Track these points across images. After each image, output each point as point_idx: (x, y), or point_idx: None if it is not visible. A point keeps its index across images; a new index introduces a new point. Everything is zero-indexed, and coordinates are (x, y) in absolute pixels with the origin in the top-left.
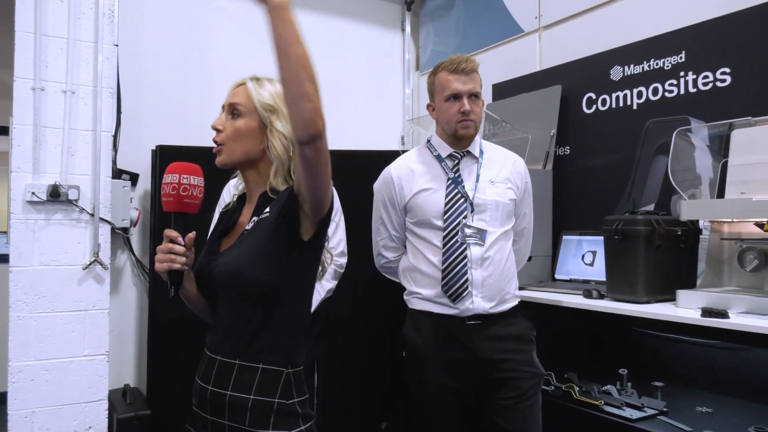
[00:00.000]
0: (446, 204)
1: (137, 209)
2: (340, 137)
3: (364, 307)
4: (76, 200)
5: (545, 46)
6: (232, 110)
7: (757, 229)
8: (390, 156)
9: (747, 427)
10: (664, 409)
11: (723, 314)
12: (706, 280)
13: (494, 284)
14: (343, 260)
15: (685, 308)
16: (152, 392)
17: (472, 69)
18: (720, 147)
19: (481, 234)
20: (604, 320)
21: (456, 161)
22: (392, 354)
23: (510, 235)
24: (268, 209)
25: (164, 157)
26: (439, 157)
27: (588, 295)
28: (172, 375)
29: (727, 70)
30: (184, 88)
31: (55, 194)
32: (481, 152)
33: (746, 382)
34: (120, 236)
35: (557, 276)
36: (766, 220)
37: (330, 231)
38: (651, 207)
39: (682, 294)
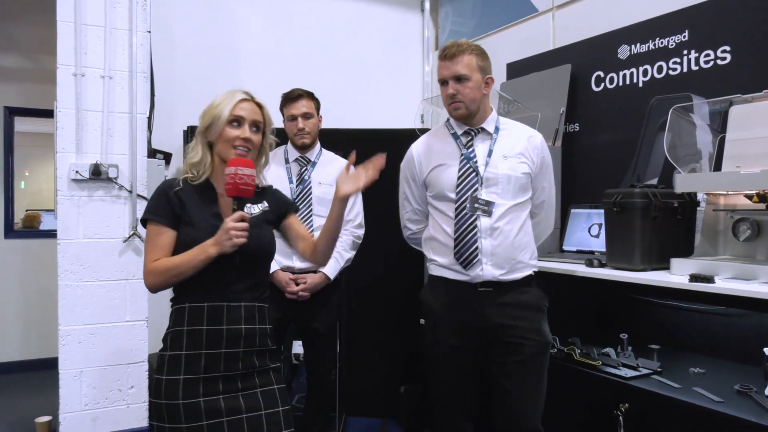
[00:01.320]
0: (459, 177)
1: None
2: (361, 116)
3: (385, 277)
4: (115, 178)
5: (558, 25)
6: (256, 126)
7: (749, 201)
8: (408, 135)
9: (733, 386)
10: (659, 369)
11: (709, 279)
12: (701, 250)
13: (504, 253)
14: (361, 231)
15: (677, 275)
16: None
17: (453, 54)
18: (719, 123)
19: (489, 206)
20: (607, 288)
21: (470, 138)
22: (411, 322)
23: (525, 207)
24: (265, 203)
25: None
26: (455, 135)
27: (589, 264)
28: None
29: (728, 48)
30: (212, 72)
31: (97, 173)
32: (497, 129)
33: (738, 345)
34: None
35: (565, 248)
36: (755, 191)
37: (348, 205)
38: (654, 181)
39: (675, 262)
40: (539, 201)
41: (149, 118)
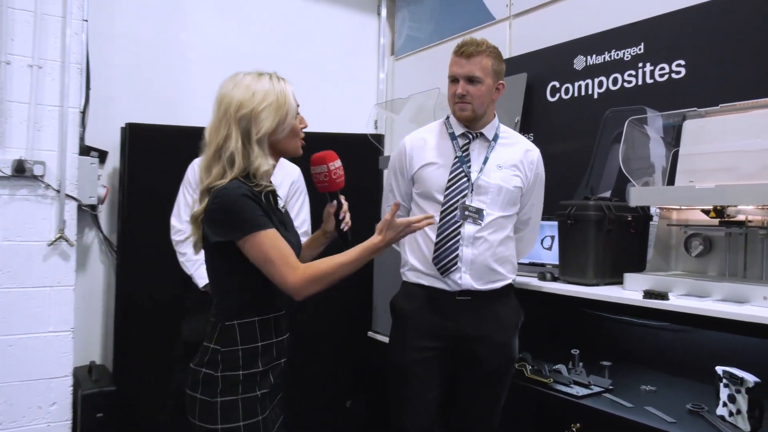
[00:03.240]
0: (449, 181)
1: (105, 187)
2: (313, 119)
3: (330, 288)
4: (41, 176)
5: (515, 34)
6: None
7: (703, 216)
8: (361, 140)
9: (685, 404)
10: (610, 387)
11: (663, 296)
12: (654, 265)
13: (483, 263)
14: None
15: (631, 290)
16: (118, 369)
17: (471, 53)
18: (672, 136)
19: (479, 214)
20: (559, 302)
21: (467, 141)
22: (358, 334)
23: (511, 221)
24: (281, 201)
25: (134, 134)
26: (452, 135)
27: (542, 277)
28: (138, 352)
29: (682, 62)
30: (156, 67)
31: (20, 169)
32: (496, 136)
33: (688, 361)
34: (87, 213)
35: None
36: (710, 207)
37: (294, 211)
38: (608, 194)
39: (628, 277)
40: (525, 217)
41: (83, 113)
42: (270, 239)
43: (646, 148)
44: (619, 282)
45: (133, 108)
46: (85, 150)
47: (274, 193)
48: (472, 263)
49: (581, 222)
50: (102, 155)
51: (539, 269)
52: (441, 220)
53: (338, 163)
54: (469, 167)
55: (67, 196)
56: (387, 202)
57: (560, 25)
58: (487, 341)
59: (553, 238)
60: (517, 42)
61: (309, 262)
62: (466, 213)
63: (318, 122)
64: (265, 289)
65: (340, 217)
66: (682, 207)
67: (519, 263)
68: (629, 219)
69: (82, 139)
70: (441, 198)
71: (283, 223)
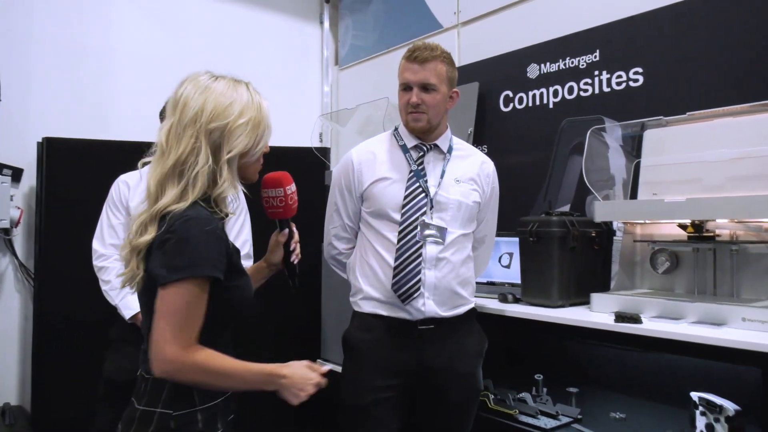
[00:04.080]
0: (405, 197)
1: (19, 208)
2: None
3: (275, 311)
4: None
5: (464, 42)
6: None
7: (669, 231)
8: (305, 153)
9: None
10: (579, 417)
11: (636, 319)
12: (620, 283)
13: (447, 287)
14: (249, 263)
15: (599, 312)
16: (37, 411)
17: (425, 59)
18: (633, 147)
19: (441, 232)
20: (520, 324)
21: (421, 154)
22: (306, 356)
23: (470, 239)
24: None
25: (52, 150)
26: (404, 147)
27: (503, 299)
28: (60, 391)
29: (640, 69)
30: (78, 75)
31: None
32: (450, 148)
33: (659, 385)
34: (0, 238)
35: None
36: (689, 221)
37: (234, 231)
38: (567, 208)
39: (596, 298)
40: (481, 235)
41: None
42: (189, 293)
43: (605, 159)
44: (585, 302)
45: (52, 120)
46: None
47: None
48: (436, 288)
49: (544, 239)
50: (16, 173)
51: (498, 289)
52: (399, 240)
53: (293, 187)
54: (426, 182)
55: None
56: (332, 222)
57: (512, 32)
58: (452, 373)
59: (511, 255)
60: (466, 50)
61: (206, 350)
62: (427, 232)
63: None
64: (217, 330)
65: (291, 248)
66: (646, 221)
67: (477, 282)
68: (593, 235)
69: None
70: (397, 216)
71: (239, 258)
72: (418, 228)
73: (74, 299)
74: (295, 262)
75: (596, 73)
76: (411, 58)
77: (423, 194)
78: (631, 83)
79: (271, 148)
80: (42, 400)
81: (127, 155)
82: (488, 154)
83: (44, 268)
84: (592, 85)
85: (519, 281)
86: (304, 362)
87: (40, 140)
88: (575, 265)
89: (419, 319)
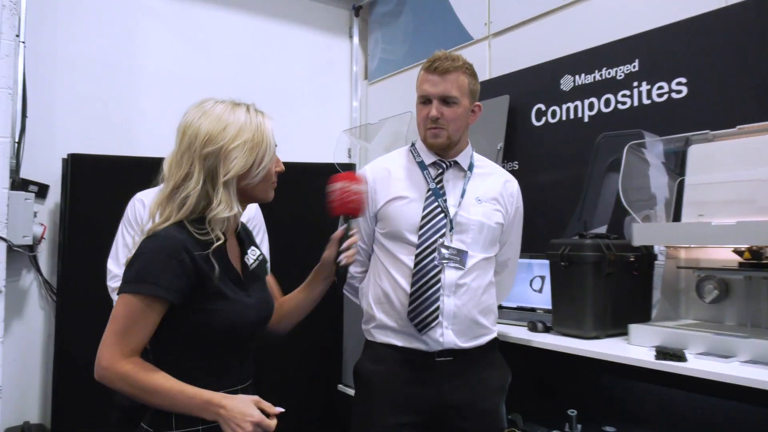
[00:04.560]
0: (423, 218)
1: (42, 224)
2: (281, 149)
3: (295, 334)
4: None
5: (495, 54)
6: None
7: (718, 257)
8: (326, 169)
9: None
10: None
11: (680, 356)
12: (662, 313)
13: (467, 316)
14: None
15: (638, 345)
16: (58, 429)
17: (446, 69)
18: (676, 164)
19: (461, 256)
20: (551, 354)
21: (440, 171)
22: (324, 387)
23: (492, 264)
24: (254, 248)
25: (77, 166)
26: (421, 164)
27: (532, 327)
28: (80, 410)
29: (683, 80)
30: (104, 92)
31: None
32: (471, 165)
33: (705, 427)
34: (23, 255)
35: (504, 303)
36: (745, 246)
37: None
38: (603, 229)
39: (635, 329)
40: (504, 258)
41: (18, 143)
42: (132, 307)
43: (645, 176)
44: (622, 333)
45: (78, 137)
46: (20, 184)
47: (229, 245)
48: (455, 317)
49: (577, 264)
50: (42, 189)
51: (529, 315)
52: (416, 265)
53: (355, 186)
54: (445, 201)
55: None
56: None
57: (545, 42)
58: (472, 410)
59: (543, 278)
60: (497, 62)
61: (140, 363)
62: (447, 256)
63: (287, 152)
64: (197, 363)
65: (342, 247)
66: (691, 246)
67: (505, 307)
68: (631, 260)
69: (15, 171)
70: (414, 238)
71: (240, 283)
72: (437, 251)
73: (96, 317)
74: (343, 263)
75: (635, 84)
76: (431, 68)
77: (442, 214)
78: (674, 95)
79: (297, 164)
80: (62, 419)
81: (151, 172)
82: (519, 171)
83: (66, 285)
84: (631, 97)
85: (549, 306)
86: (253, 398)
87: (66, 156)
88: (611, 292)
89: (437, 350)
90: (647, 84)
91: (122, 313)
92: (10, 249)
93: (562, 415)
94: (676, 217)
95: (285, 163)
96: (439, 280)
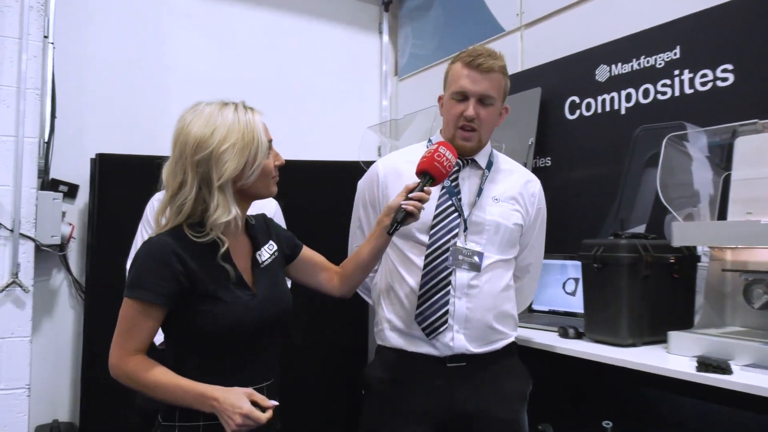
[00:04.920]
0: (435, 217)
1: (71, 224)
2: (310, 147)
3: (322, 332)
4: None
5: (527, 45)
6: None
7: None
8: (351, 167)
9: None
10: None
11: (724, 368)
12: (705, 319)
13: (480, 320)
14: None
15: (678, 355)
16: (86, 428)
17: (490, 68)
18: (722, 158)
19: (476, 257)
20: (585, 362)
21: (456, 168)
22: (351, 378)
23: (510, 266)
24: (272, 242)
25: (105, 166)
26: None
27: (563, 333)
28: (108, 409)
29: (729, 66)
30: (133, 92)
31: None
32: (491, 164)
33: None
34: (54, 254)
35: (535, 306)
36: None
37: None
38: (641, 229)
39: (675, 337)
40: (525, 263)
41: (47, 143)
42: (131, 310)
43: (687, 171)
44: (661, 341)
45: (107, 137)
46: (50, 184)
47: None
48: (467, 320)
49: (611, 266)
50: (72, 189)
51: (561, 320)
52: (426, 266)
53: (451, 158)
54: (460, 200)
55: (22, 235)
56: (355, 240)
57: (579, 31)
58: (489, 419)
59: (577, 281)
60: (529, 54)
61: (142, 360)
62: (461, 258)
63: (316, 150)
64: (209, 360)
65: (412, 195)
66: (738, 246)
67: (536, 310)
68: (671, 261)
69: (46, 171)
70: (425, 238)
71: (241, 283)
72: (450, 253)
73: None
74: (403, 208)
75: (676, 72)
76: (473, 64)
77: (456, 214)
78: (719, 83)
79: (326, 162)
80: (91, 418)
81: None
82: (551, 167)
83: (95, 284)
84: (672, 86)
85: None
86: (246, 390)
87: (94, 156)
88: (649, 296)
89: (448, 355)
90: (689, 72)
91: (124, 316)
92: (39, 249)
93: (596, 426)
94: (722, 215)
95: (313, 162)
96: (449, 282)
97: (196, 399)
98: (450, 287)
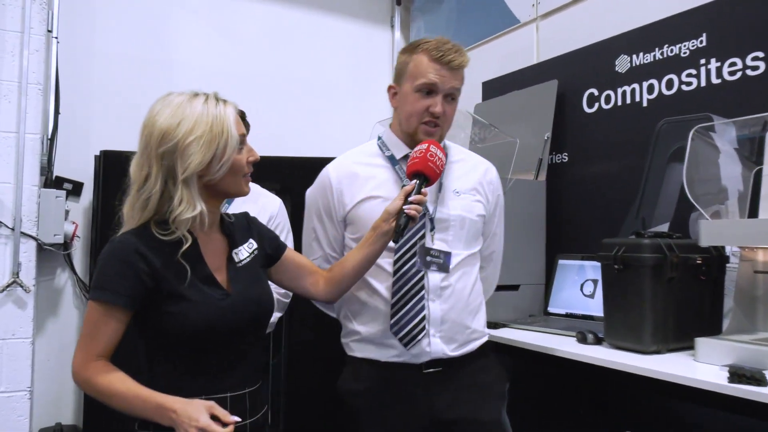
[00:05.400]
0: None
1: (74, 223)
2: (319, 143)
3: (328, 338)
4: None
5: (543, 37)
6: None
7: None
8: None
9: None
10: None
11: (759, 379)
12: (735, 325)
13: (456, 320)
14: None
15: (707, 363)
16: (90, 431)
17: (460, 65)
18: (752, 151)
19: (444, 258)
20: (605, 369)
21: None
22: None
23: (476, 260)
24: (252, 242)
25: (109, 163)
26: (391, 158)
27: (582, 339)
28: (111, 412)
29: (760, 54)
30: (139, 88)
31: None
32: (446, 155)
33: None
34: (58, 254)
35: (551, 309)
36: None
37: None
38: (665, 227)
39: (703, 344)
40: (488, 251)
41: (51, 140)
42: (95, 312)
43: (715, 166)
44: (686, 347)
45: (111, 134)
46: (53, 182)
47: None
48: (443, 322)
49: (633, 267)
50: (77, 187)
51: (579, 324)
52: (396, 271)
53: (441, 156)
54: None
55: (24, 234)
56: (311, 253)
57: (597, 21)
58: (472, 424)
59: (596, 282)
60: (545, 45)
61: (102, 366)
62: (429, 259)
63: (325, 146)
64: (183, 364)
65: (411, 198)
66: None
67: (552, 313)
68: (698, 262)
69: (49, 169)
70: (391, 242)
71: (212, 282)
72: (418, 254)
73: None
74: (405, 213)
75: (702, 61)
76: (443, 60)
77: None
78: (749, 71)
79: (330, 158)
80: (94, 421)
81: None
82: (568, 163)
83: None
84: (698, 76)
85: (602, 313)
86: (206, 403)
87: (98, 153)
88: (674, 299)
89: (424, 361)
90: (717, 61)
91: (87, 319)
92: (41, 248)
93: None
94: (752, 212)
95: (323, 158)
96: (423, 287)
97: (155, 410)
98: (424, 291)
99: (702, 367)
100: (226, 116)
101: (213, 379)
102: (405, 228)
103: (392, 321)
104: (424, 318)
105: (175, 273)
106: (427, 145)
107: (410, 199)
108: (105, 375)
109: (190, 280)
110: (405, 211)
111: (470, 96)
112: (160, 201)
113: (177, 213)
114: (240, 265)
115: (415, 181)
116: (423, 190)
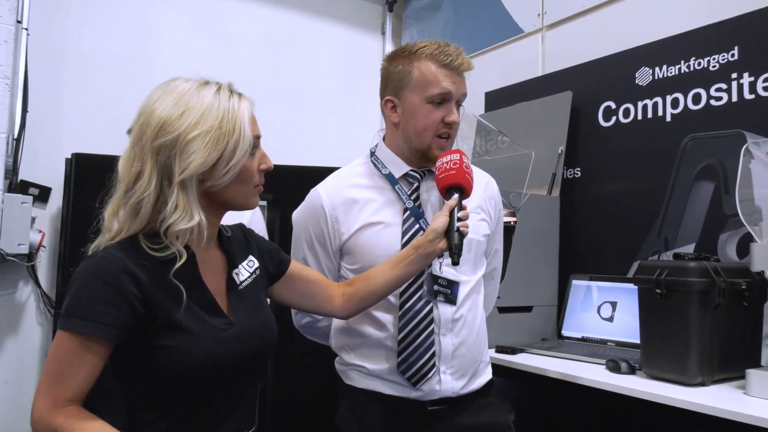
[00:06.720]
0: (404, 245)
1: (41, 231)
2: (307, 153)
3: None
4: None
5: (549, 47)
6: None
7: None
8: None
9: None
10: None
11: None
12: None
13: (468, 355)
14: None
15: (760, 397)
16: None
17: (468, 68)
18: None
19: (452, 288)
20: (639, 402)
21: (415, 184)
22: None
23: (481, 284)
24: (252, 259)
25: (81, 167)
26: (390, 178)
27: (614, 368)
28: None
29: None
30: (114, 88)
31: None
32: None
33: None
34: (21, 265)
35: (565, 332)
36: None
37: None
38: (690, 248)
39: (755, 376)
40: (489, 269)
41: (17, 140)
42: (66, 345)
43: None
44: (731, 378)
45: (84, 136)
46: (19, 186)
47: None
48: (454, 357)
49: (678, 292)
50: (43, 192)
51: (600, 350)
52: (403, 304)
53: (468, 162)
54: (426, 221)
55: None
56: None
57: (611, 32)
58: None
59: (614, 305)
60: (552, 56)
61: (75, 413)
62: (436, 288)
63: (313, 156)
64: (182, 407)
65: (459, 215)
66: None
67: (566, 336)
68: (743, 287)
69: (14, 172)
70: None
71: (215, 309)
72: (425, 283)
73: None
74: (462, 230)
75: (734, 76)
76: (452, 65)
77: None
78: None
79: (325, 168)
80: None
81: None
82: (581, 179)
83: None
84: (728, 91)
85: (624, 339)
86: None
87: (70, 156)
88: (721, 328)
89: (429, 399)
90: (750, 75)
91: (56, 355)
92: (3, 258)
93: None
94: None
95: (310, 168)
96: (432, 320)
97: None
98: (434, 325)
99: (755, 402)
100: (240, 112)
101: (211, 427)
102: (462, 246)
103: (400, 359)
104: (434, 354)
105: (171, 297)
106: (459, 155)
107: (459, 215)
108: (80, 424)
109: (189, 306)
110: (461, 229)
111: (473, 106)
112: (155, 207)
113: (170, 222)
114: (241, 288)
115: (455, 195)
116: (463, 204)
